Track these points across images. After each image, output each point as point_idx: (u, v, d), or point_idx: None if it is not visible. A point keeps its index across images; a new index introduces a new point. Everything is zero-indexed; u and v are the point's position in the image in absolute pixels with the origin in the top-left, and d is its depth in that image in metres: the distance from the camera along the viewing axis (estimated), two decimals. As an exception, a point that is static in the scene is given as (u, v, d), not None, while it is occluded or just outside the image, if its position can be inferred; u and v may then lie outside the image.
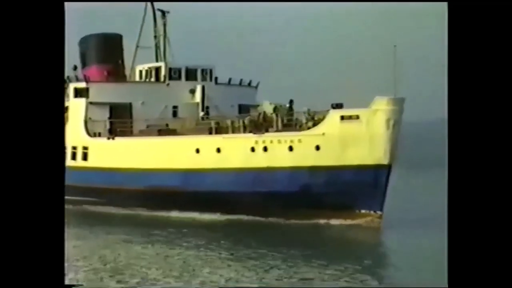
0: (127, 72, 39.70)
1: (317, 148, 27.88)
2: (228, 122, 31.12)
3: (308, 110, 29.39)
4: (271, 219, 28.23)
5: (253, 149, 29.01)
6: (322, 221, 27.53)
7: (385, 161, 27.12)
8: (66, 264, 13.60)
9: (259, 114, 30.27)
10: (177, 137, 32.33)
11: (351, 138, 27.29)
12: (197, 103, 37.14)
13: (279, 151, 28.74)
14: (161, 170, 32.89)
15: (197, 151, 30.97)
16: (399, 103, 26.81)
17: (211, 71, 37.80)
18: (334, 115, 27.35)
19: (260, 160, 28.79)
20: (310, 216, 27.80)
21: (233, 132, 30.55)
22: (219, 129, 31.20)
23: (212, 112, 37.05)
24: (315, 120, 28.50)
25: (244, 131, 29.86)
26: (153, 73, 38.25)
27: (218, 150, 30.67)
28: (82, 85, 36.29)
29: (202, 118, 35.71)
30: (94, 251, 22.18)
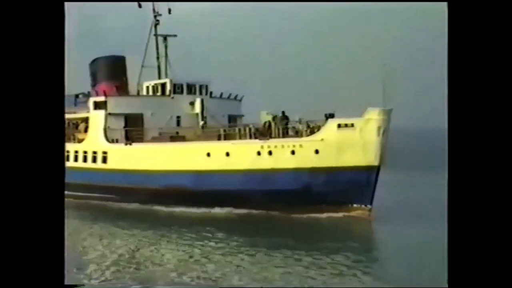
0: (132, 87, 47.31)
1: (316, 152, 32.55)
2: (236, 130, 36.48)
3: (300, 119, 34.35)
4: (276, 213, 32.67)
5: (259, 153, 33.50)
6: (322, 215, 31.81)
7: (375, 162, 32.25)
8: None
9: (265, 123, 34.97)
10: (190, 143, 38.31)
11: (347, 143, 32.57)
12: (197, 114, 44.05)
13: (283, 155, 33.23)
14: (177, 172, 38.15)
15: (208, 155, 36.13)
16: (388, 114, 31.55)
17: (207, 86, 45.90)
18: (331, 124, 32.74)
19: (265, 163, 33.24)
20: (310, 210, 32.10)
21: (240, 138, 35.69)
22: (227, 136, 36.59)
23: (208, 122, 43.63)
24: (311, 128, 32.90)
25: (250, 138, 34.98)
26: (159, 88, 46.15)
27: (227, 154, 35.45)
28: (101, 99, 44.26)
29: (202, 127, 41.67)
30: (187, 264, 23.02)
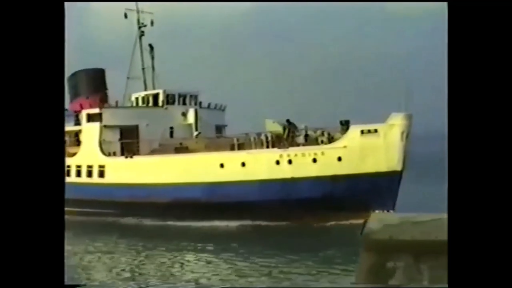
0: (111, 100, 45.91)
1: (339, 159, 31.56)
2: (252, 138, 35.34)
3: (306, 127, 33.23)
4: (297, 224, 31.02)
5: (277, 162, 32.48)
6: (344, 222, 31.56)
7: (398, 167, 31.75)
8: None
9: (284, 131, 33.63)
10: (202, 154, 36.48)
11: (370, 149, 31.36)
12: (189, 124, 43.18)
13: (304, 163, 32.25)
14: (188, 184, 36.37)
15: (222, 165, 34.73)
16: (410, 118, 30.85)
17: (196, 96, 44.37)
18: (354, 130, 31.69)
19: (285, 172, 31.89)
20: (332, 218, 30.75)
21: (256, 147, 34.19)
22: (241, 146, 35.19)
23: (202, 132, 42.50)
24: (329, 135, 31.85)
25: (267, 147, 33.61)
26: (151, 99, 44.67)
27: (243, 164, 33.55)
28: (95, 111, 42.67)
29: (196, 137, 40.69)
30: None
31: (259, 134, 35.66)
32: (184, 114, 43.77)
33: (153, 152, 40.42)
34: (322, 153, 32.43)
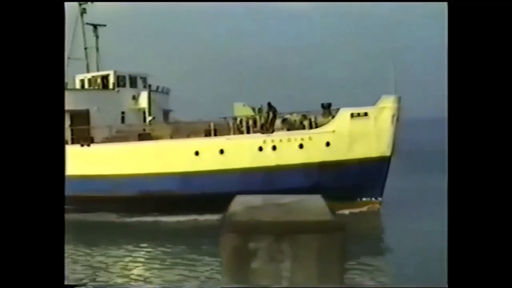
0: None
1: (327, 144, 29.24)
2: (230, 123, 31.71)
3: (295, 113, 30.56)
4: None
5: (260, 149, 29.53)
6: (345, 212, 30.38)
7: (388, 153, 30.21)
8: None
9: (268, 114, 30.74)
10: (174, 141, 32.22)
11: (360, 133, 29.36)
12: (141, 108, 38.59)
13: (289, 149, 29.44)
14: (158, 175, 32.32)
15: (197, 153, 30.79)
16: (400, 101, 29.13)
17: (145, 79, 39.76)
18: (344, 113, 29.51)
19: (269, 159, 29.12)
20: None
21: (234, 133, 30.90)
22: (218, 132, 31.44)
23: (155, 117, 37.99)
24: (307, 118, 29.62)
25: (248, 132, 30.44)
26: (99, 81, 39.51)
27: (221, 152, 30.29)
28: None
29: (150, 122, 36.45)
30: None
31: (235, 119, 32.70)
32: (135, 98, 39.84)
33: (110, 139, 36.43)
34: (310, 138, 30.06)
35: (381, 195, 30.28)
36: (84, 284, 18.40)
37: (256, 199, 6.26)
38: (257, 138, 30.81)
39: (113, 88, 39.54)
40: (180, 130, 34.71)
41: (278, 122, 31.47)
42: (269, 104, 32.67)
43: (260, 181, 30.43)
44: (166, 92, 44.28)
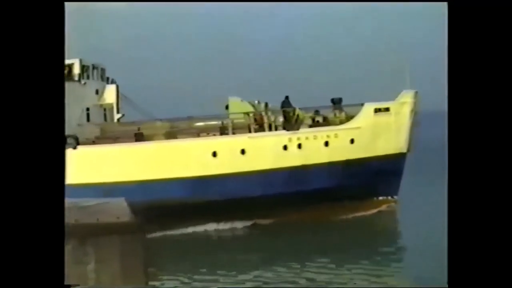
0: None
1: (352, 141, 28.24)
2: (252, 119, 29.20)
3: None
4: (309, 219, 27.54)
5: (285, 148, 27.84)
6: (372, 211, 28.40)
7: (405, 149, 28.95)
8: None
9: (293, 112, 29.05)
10: (187, 140, 28.41)
11: (382, 129, 28.24)
12: (102, 105, 32.75)
13: (315, 147, 28.00)
14: (168, 180, 28.37)
15: (214, 154, 27.70)
16: (417, 96, 28.36)
17: (104, 70, 34.06)
18: (369, 109, 28.13)
19: (294, 159, 27.46)
20: (351, 209, 27.95)
21: (255, 131, 28.88)
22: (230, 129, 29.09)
23: (108, 114, 33.49)
24: (323, 116, 28.70)
25: (270, 130, 28.67)
26: (66, 72, 32.78)
27: (243, 152, 28.37)
28: None
29: (118, 120, 32.48)
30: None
31: (254, 114, 29.76)
32: (98, 92, 32.59)
33: (103, 140, 30.15)
34: (335, 135, 28.35)
35: (396, 193, 29.44)
36: (83, 285, 18.24)
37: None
38: (282, 136, 28.99)
39: (79, 80, 32.41)
40: (181, 130, 31.10)
41: (280, 118, 30.15)
42: (286, 98, 30.98)
43: (284, 182, 28.44)
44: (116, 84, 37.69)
